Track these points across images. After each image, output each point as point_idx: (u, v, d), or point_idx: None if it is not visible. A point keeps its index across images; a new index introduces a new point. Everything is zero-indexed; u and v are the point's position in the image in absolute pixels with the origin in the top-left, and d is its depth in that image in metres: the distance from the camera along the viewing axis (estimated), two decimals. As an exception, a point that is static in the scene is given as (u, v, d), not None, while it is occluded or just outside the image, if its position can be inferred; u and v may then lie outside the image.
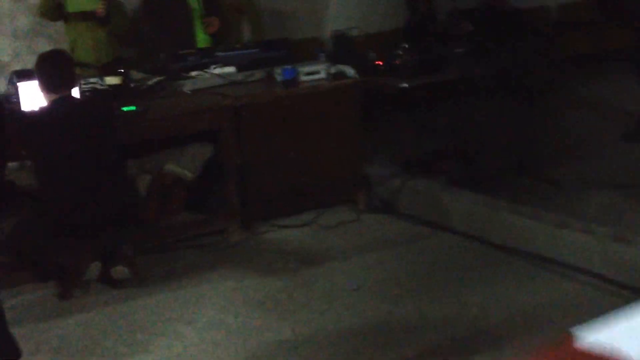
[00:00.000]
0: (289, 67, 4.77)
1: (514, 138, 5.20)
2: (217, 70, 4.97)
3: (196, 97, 4.68)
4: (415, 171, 5.12)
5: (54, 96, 3.81)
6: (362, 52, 5.63)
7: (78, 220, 3.70)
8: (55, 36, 5.85)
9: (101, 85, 4.76)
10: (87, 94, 4.37)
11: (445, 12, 7.79)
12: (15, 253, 3.83)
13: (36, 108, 3.91)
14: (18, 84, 4.18)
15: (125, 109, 4.18)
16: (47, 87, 3.82)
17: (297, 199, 4.85)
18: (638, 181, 4.66)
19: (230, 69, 5.01)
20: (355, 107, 4.94)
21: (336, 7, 8.00)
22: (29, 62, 6.17)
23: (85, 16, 5.35)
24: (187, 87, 4.82)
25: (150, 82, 4.91)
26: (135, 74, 5.09)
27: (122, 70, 4.96)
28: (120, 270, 3.99)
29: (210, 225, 4.63)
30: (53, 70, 3.85)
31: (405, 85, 4.90)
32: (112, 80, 4.90)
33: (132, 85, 4.81)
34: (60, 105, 3.76)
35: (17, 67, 5.43)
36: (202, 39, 5.64)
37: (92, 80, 4.86)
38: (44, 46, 5.99)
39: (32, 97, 4.08)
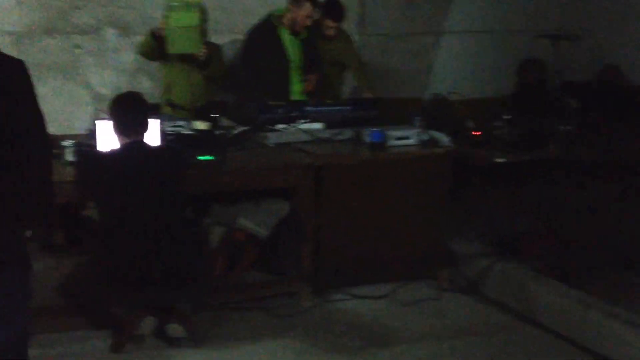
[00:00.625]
0: (377, 130, 4.52)
1: (619, 228, 4.76)
2: (304, 126, 4.76)
3: (278, 151, 4.48)
4: (504, 252, 4.73)
5: (126, 140, 3.69)
6: (461, 118, 5.33)
7: (135, 272, 3.51)
8: (157, 74, 5.81)
9: (187, 130, 4.64)
10: (166, 139, 4.21)
11: (556, 84, 7.41)
12: (71, 297, 3.68)
13: (108, 149, 3.79)
14: (96, 122, 4.09)
15: (202, 157, 4.00)
16: (119, 130, 3.71)
17: (375, 269, 4.56)
18: None
19: (318, 125, 4.80)
20: (444, 178, 4.63)
21: (441, 67, 7.76)
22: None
23: (184, 58, 5.29)
24: (271, 140, 4.64)
25: (235, 131, 4.75)
26: (225, 121, 4.96)
27: (215, 116, 4.85)
28: (175, 328, 3.77)
29: (280, 288, 4.39)
30: (126, 114, 3.74)
31: (502, 159, 4.55)
32: (200, 125, 4.77)
33: (217, 132, 4.66)
34: (129, 151, 3.63)
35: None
36: (297, 91, 5.48)
37: (180, 123, 4.76)
38: (145, 83, 6.00)
39: (108, 136, 3.97)
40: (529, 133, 4.84)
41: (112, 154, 3.70)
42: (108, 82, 6.21)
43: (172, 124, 4.76)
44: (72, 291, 3.65)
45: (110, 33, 6.19)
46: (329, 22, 5.59)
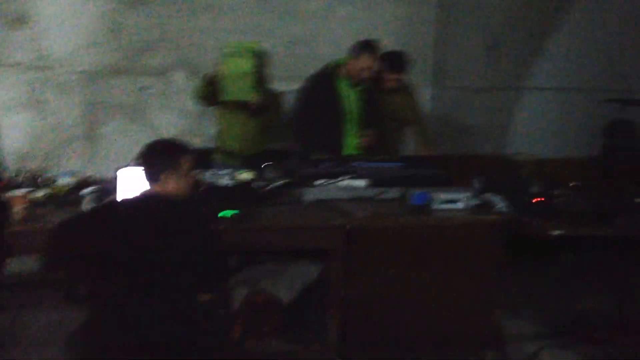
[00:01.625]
0: (420, 191, 4.13)
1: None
2: (346, 182, 4.43)
3: (312, 209, 4.17)
4: (560, 336, 4.23)
5: (148, 189, 3.45)
6: (526, 182, 4.87)
7: (130, 340, 3.23)
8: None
9: (228, 180, 4.41)
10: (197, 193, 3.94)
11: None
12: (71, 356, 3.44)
13: (124, 198, 3.57)
14: (118, 170, 3.90)
15: (222, 213, 3.73)
16: (144, 177, 3.47)
17: (410, 346, 4.13)
18: None
19: (361, 183, 4.46)
20: (495, 249, 4.16)
21: (522, 125, 7.30)
22: (192, 141, 6.09)
23: (238, 105, 5.12)
24: (308, 196, 4.33)
25: (274, 185, 4.49)
26: (271, 173, 4.72)
27: (266, 164, 4.65)
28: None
29: (302, 358, 4.02)
30: (150, 161, 3.48)
31: (561, 232, 4.06)
32: (244, 175, 4.56)
33: (254, 185, 4.42)
34: (139, 201, 3.37)
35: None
36: (352, 145, 5.20)
37: (223, 172, 4.55)
38: (208, 127, 5.87)
39: (131, 185, 3.77)
40: (595, 204, 4.33)
41: (121, 204, 3.47)
42: (172, 125, 6.15)
43: (213, 173, 4.56)
44: (73, 352, 3.40)
45: (178, 75, 6.13)
46: (389, 74, 5.29)
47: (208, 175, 4.42)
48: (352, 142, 5.15)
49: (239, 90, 5.00)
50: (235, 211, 3.80)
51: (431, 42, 7.00)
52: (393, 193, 4.43)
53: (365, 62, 5.08)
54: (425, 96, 6.75)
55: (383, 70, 5.32)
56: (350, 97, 5.19)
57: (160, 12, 6.14)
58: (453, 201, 4.23)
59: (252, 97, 5.03)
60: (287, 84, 5.60)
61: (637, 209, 4.38)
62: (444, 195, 4.22)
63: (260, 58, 5.11)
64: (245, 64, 4.97)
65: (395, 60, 5.34)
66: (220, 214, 3.73)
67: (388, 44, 6.50)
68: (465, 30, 7.14)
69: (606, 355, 4.05)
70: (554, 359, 4.04)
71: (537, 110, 7.29)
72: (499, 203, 4.46)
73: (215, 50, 5.81)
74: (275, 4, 6.49)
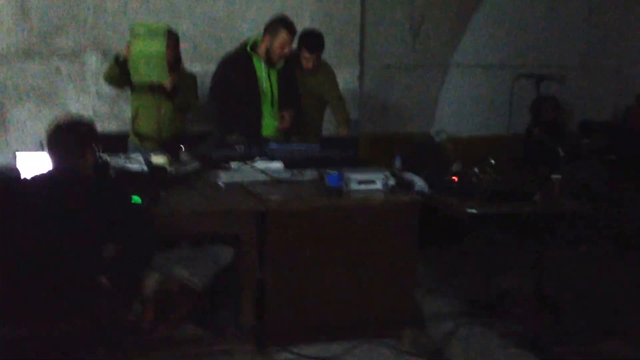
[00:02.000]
0: (334, 172, 4.08)
1: (608, 293, 4.25)
2: (261, 165, 4.35)
3: (226, 193, 4.08)
4: (479, 313, 4.24)
5: (53, 167, 3.35)
6: (447, 161, 4.88)
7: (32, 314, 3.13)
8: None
9: (141, 164, 4.29)
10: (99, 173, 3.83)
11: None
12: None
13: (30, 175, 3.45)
14: (17, 153, 3.77)
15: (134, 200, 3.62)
16: (49, 155, 3.37)
17: (328, 326, 4.10)
18: None
19: (277, 165, 4.39)
20: (411, 229, 4.14)
21: (448, 103, 7.31)
22: (109, 125, 5.93)
23: (152, 87, 4.97)
24: (223, 179, 4.24)
25: (188, 169, 4.38)
26: (185, 156, 4.61)
27: (182, 147, 4.54)
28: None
29: (216, 345, 3.94)
30: (57, 140, 3.38)
31: (474, 211, 4.06)
32: (157, 159, 4.44)
33: (170, 170, 4.31)
34: (44, 179, 3.28)
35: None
36: (270, 126, 5.09)
37: (134, 155, 4.42)
38: (124, 110, 5.72)
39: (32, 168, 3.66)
40: (511, 182, 4.34)
41: (27, 180, 3.38)
42: (88, 108, 5.97)
43: (126, 157, 4.44)
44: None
45: (91, 57, 5.94)
46: (305, 54, 5.20)
47: (120, 160, 4.28)
48: (270, 123, 5.05)
49: (150, 72, 4.85)
50: (138, 200, 3.66)
51: (356, 21, 6.93)
52: (310, 175, 4.36)
53: (282, 39, 4.97)
54: (351, 75, 6.70)
55: (301, 50, 5.23)
56: (267, 77, 5.08)
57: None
58: (370, 182, 4.18)
59: (164, 79, 4.89)
60: (206, 65, 5.48)
61: (553, 186, 4.40)
62: (360, 176, 4.17)
63: (173, 39, 4.96)
64: (155, 45, 4.82)
65: (313, 40, 5.25)
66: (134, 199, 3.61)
67: (312, 23, 6.44)
68: (390, 8, 7.10)
69: (522, 330, 4.07)
70: (471, 336, 4.03)
71: (463, 87, 7.31)
72: (419, 182, 4.44)
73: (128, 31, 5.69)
74: (193, -18, 6.34)
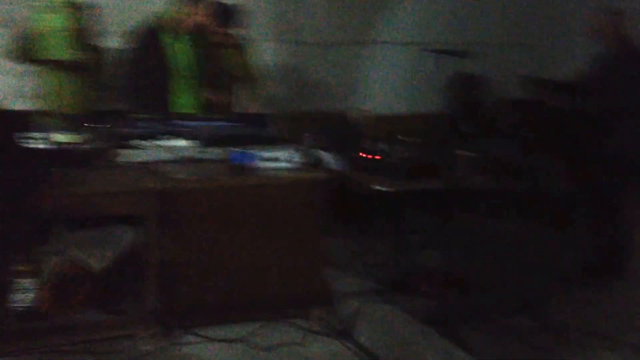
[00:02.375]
0: (239, 150, 3.99)
1: (521, 268, 4.28)
2: (166, 143, 4.23)
3: (127, 172, 3.95)
4: (387, 291, 4.23)
5: None
6: (358, 138, 4.83)
7: None
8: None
9: (43, 142, 4.14)
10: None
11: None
12: None
13: None
14: None
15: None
16: None
17: (234, 308, 4.03)
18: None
19: (182, 143, 4.28)
20: (317, 206, 4.09)
21: (369, 80, 7.27)
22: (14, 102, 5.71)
23: (57, 63, 4.79)
24: (124, 159, 4.11)
25: (91, 147, 4.24)
26: (90, 134, 4.45)
27: (87, 126, 4.39)
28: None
29: (118, 329, 3.83)
30: None
31: (379, 188, 4.02)
32: (60, 137, 4.29)
33: (66, 148, 4.16)
34: None
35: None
36: (184, 104, 4.95)
37: (39, 135, 4.26)
38: (33, 87, 5.51)
39: None
40: (417, 158, 4.32)
41: None
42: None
43: (30, 135, 4.27)
44: None
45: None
46: (218, 28, 5.08)
47: (23, 138, 4.12)
48: (183, 101, 4.92)
49: (54, 47, 4.68)
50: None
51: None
52: (217, 153, 4.26)
53: (191, 11, 4.83)
54: (267, 52, 6.59)
55: (212, 23, 5.09)
56: (177, 52, 4.94)
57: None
58: (276, 159, 4.11)
59: (69, 54, 4.72)
60: (120, 41, 5.31)
61: (460, 164, 4.40)
62: (266, 154, 4.09)
63: (79, 12, 4.79)
64: (59, 20, 4.64)
65: (225, 13, 5.12)
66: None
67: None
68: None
69: (427, 307, 4.07)
70: (375, 313, 4.02)
71: (385, 65, 7.28)
72: (328, 159, 4.39)
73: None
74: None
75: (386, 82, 7.10)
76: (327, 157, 4.42)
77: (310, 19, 6.90)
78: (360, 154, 4.39)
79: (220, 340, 3.95)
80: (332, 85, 7.00)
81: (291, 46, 6.79)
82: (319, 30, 6.92)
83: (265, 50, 6.40)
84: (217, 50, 5.12)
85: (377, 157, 4.24)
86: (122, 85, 4.98)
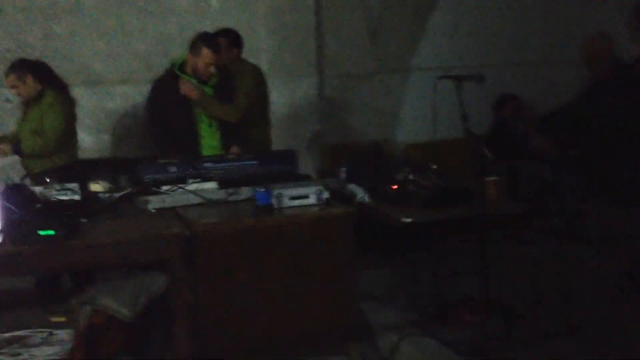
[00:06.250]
0: (262, 189, 3.97)
1: (560, 292, 4.13)
2: (193, 186, 4.24)
3: (153, 219, 3.97)
4: (427, 323, 4.13)
5: None
6: (392, 168, 4.75)
7: None
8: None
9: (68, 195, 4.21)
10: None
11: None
12: None
13: None
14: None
15: (43, 232, 3.51)
16: None
17: (270, 348, 3.98)
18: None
19: (211, 185, 4.28)
20: (347, 241, 4.02)
21: (410, 108, 7.21)
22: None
23: None
24: (154, 204, 4.13)
25: (118, 195, 4.29)
26: (122, 182, 4.52)
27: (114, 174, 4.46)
28: None
29: (153, 374, 3.83)
30: None
31: (409, 219, 3.94)
32: (95, 187, 4.37)
33: (97, 197, 4.22)
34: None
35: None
36: (211, 146, 4.99)
37: (70, 185, 4.32)
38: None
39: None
40: (450, 187, 4.21)
41: None
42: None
43: (61, 186, 4.34)
44: None
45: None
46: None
47: (51, 190, 4.20)
48: (210, 142, 4.95)
49: None
50: (51, 232, 3.54)
51: (312, 31, 6.86)
52: (244, 193, 4.25)
53: (205, 58, 4.87)
54: (309, 85, 6.63)
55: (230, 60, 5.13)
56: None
57: (18, 20, 5.92)
58: (303, 197, 4.07)
59: None
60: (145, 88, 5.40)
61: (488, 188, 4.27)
62: (292, 192, 4.05)
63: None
64: None
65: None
66: (41, 232, 3.50)
67: (267, 35, 6.36)
68: (346, 15, 7.03)
69: (470, 337, 3.95)
70: (414, 346, 3.92)
71: (425, 92, 7.19)
72: (360, 193, 4.35)
73: (81, 56, 5.64)
74: (142, 2, 6.29)
75: (417, 109, 6.99)
76: (359, 190, 4.36)
77: (351, 51, 6.89)
78: (392, 186, 4.31)
79: (257, 383, 3.90)
80: (375, 116, 6.97)
81: (333, 79, 6.81)
82: (360, 61, 6.90)
83: (308, 85, 6.44)
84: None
85: (409, 188, 4.16)
86: (152, 132, 5.04)
